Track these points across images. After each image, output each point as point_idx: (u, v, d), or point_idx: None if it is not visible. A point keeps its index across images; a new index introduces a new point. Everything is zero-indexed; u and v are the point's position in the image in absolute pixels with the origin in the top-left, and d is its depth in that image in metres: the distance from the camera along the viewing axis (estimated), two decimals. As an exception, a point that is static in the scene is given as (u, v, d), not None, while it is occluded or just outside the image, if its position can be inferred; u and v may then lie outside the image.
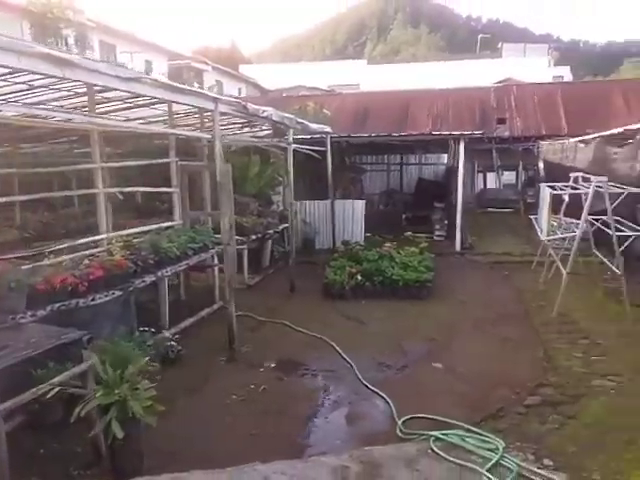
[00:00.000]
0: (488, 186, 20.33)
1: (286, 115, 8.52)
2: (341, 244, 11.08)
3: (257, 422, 4.74)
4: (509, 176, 19.67)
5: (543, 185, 8.65)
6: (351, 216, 12.26)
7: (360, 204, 12.43)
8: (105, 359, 3.68)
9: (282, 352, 6.38)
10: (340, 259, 9.60)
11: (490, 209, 17.94)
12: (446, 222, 13.31)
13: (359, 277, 8.67)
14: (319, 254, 11.53)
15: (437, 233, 13.41)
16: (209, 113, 6.85)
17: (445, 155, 17.36)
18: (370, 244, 10.63)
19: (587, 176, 7.65)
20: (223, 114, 7.21)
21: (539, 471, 3.66)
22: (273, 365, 6.01)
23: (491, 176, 19.97)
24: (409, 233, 11.02)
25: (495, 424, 4.51)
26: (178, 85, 5.38)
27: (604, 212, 7.33)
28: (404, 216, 14.62)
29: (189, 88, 5.56)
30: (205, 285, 8.57)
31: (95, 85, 5.35)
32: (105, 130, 6.53)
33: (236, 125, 10.11)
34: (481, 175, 20.61)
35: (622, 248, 6.97)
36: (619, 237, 7.05)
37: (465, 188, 19.89)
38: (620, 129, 9.43)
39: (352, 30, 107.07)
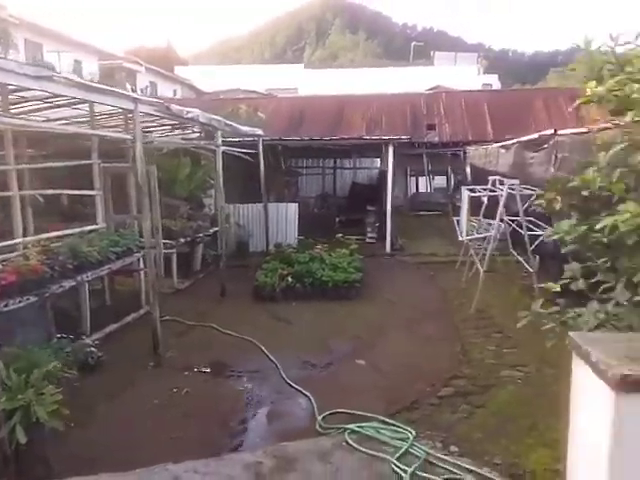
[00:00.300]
0: (420, 190, 20.97)
1: (214, 117, 8.48)
2: (274, 247, 11.13)
3: (179, 425, 4.71)
4: (440, 180, 20.35)
5: (464, 188, 9.08)
6: (284, 219, 12.35)
7: (293, 207, 12.54)
8: (10, 365, 3.56)
9: (209, 355, 6.35)
10: (272, 262, 9.65)
11: (422, 212, 18.49)
12: (377, 225, 13.65)
13: (290, 279, 8.76)
14: (253, 257, 11.51)
15: (369, 235, 13.72)
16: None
17: (379, 159, 17.77)
18: (302, 246, 10.75)
19: (503, 179, 8.11)
20: (150, 115, 7.14)
21: (445, 457, 3.87)
22: (198, 369, 5.98)
23: (423, 180, 20.63)
24: (340, 235, 11.20)
25: (409, 415, 4.72)
26: (94, 84, 5.27)
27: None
28: (338, 219, 14.84)
29: (106, 87, 5.44)
30: (132, 290, 8.38)
31: (8, 85, 5.16)
32: (19, 130, 6.29)
33: (166, 127, 9.97)
34: (414, 179, 21.24)
35: (533, 247, 7.42)
36: (531, 237, 7.50)
37: (398, 192, 20.51)
38: (535, 135, 10.03)
39: (291, 34, 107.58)
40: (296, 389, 5.36)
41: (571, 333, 1.76)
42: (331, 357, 6.32)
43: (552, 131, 9.22)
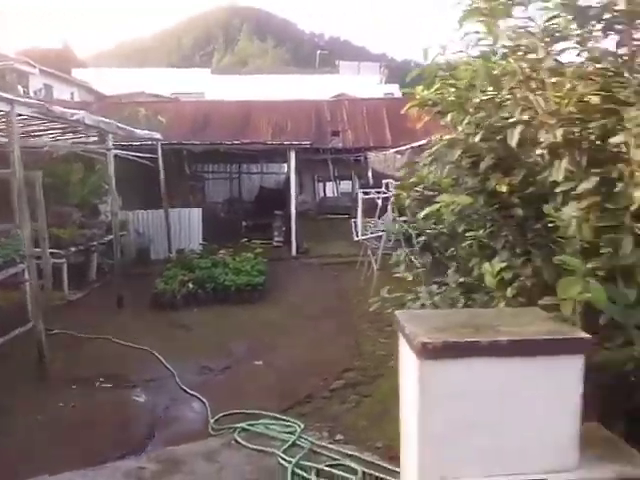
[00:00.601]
0: (328, 194, 21.47)
1: (102, 119, 8.20)
2: (175, 253, 10.93)
3: (63, 439, 4.52)
4: (346, 185, 20.94)
5: (359, 191, 9.47)
6: (188, 225, 12.16)
7: (197, 212, 12.39)
8: None
9: (101, 368, 6.11)
10: (174, 268, 9.48)
11: (329, 215, 18.93)
12: (284, 229, 13.82)
13: (190, 285, 8.64)
14: (155, 265, 11.20)
15: (276, 239, 13.88)
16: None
17: (286, 164, 17.97)
18: (206, 252, 10.64)
19: (393, 182, 8.55)
20: (35, 118, 6.81)
21: (329, 446, 4.05)
22: (89, 381, 5.75)
23: (330, 185, 21.13)
24: (245, 239, 11.24)
25: (301, 409, 4.86)
26: (-39, 85, 4.93)
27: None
28: (245, 224, 14.84)
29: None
30: (19, 303, 7.87)
31: None
32: None
33: (57, 130, 9.47)
34: (321, 184, 21.71)
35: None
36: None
37: (307, 196, 20.83)
38: (424, 140, 10.67)
39: (199, 38, 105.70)
40: (191, 394, 5.33)
41: (396, 312, 1.96)
42: (229, 360, 6.34)
43: (439, 136, 9.90)
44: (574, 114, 1.77)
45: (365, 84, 30.56)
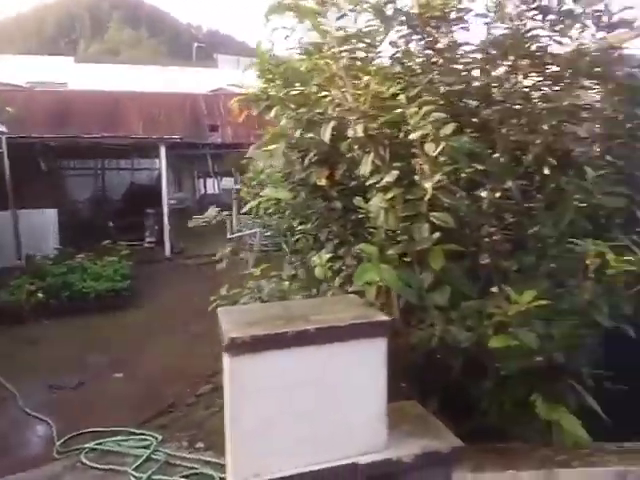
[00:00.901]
0: (209, 191, 20.90)
1: None
2: (25, 259, 9.87)
3: None
4: (228, 181, 20.48)
5: (234, 187, 9.28)
6: (41, 227, 11.01)
7: (51, 213, 11.29)
8: None
9: None
10: (22, 277, 8.53)
11: (210, 213, 18.44)
12: (157, 228, 13.13)
13: (40, 294, 7.81)
14: (1, 274, 9.99)
15: (148, 240, 13.15)
16: None
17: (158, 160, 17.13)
18: (61, 257, 9.72)
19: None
20: None
21: (187, 455, 3.84)
22: None
23: (211, 181, 20.58)
24: (108, 241, 10.45)
25: (162, 420, 4.61)
26: None
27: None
28: (112, 224, 13.83)
29: None
30: None
31: None
32: None
33: None
34: (202, 180, 21.08)
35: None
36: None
37: (187, 193, 20.10)
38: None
39: (62, 24, 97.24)
40: (35, 417, 4.81)
41: (218, 309, 1.86)
42: (84, 376, 5.80)
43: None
44: (372, 110, 1.80)
45: (245, 79, 30.11)
